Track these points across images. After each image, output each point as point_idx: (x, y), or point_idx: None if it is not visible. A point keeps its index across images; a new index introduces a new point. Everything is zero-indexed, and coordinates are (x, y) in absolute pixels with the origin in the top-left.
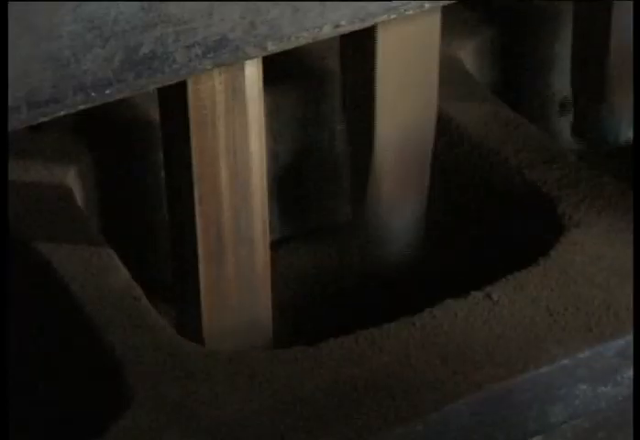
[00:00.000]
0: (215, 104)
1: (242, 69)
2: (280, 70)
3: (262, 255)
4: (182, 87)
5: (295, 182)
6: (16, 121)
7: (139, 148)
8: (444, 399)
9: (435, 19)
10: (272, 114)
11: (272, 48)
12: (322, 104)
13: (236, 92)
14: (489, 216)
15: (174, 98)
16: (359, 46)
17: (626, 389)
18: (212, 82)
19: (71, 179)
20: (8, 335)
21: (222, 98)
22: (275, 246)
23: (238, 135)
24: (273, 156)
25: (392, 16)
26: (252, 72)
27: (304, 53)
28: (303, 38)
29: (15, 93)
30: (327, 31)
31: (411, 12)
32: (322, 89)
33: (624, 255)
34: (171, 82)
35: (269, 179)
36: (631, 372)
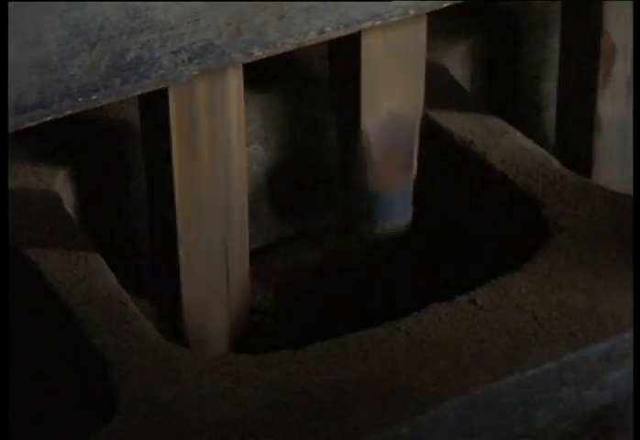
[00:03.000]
0: (196, 110)
1: (224, 75)
2: (269, 74)
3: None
4: (163, 94)
5: (284, 186)
6: None
7: (127, 153)
8: (429, 402)
9: (422, 26)
10: (261, 119)
11: (258, 53)
12: (311, 108)
13: (217, 98)
14: (474, 222)
15: (156, 105)
16: (346, 51)
17: (610, 392)
18: (193, 89)
19: (59, 184)
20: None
21: (203, 104)
22: (264, 249)
23: (220, 140)
24: (260, 160)
25: (377, 23)
26: (234, 79)
27: (294, 58)
28: (289, 44)
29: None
30: (312, 37)
31: (395, 18)
32: (311, 93)
33: (608, 260)
34: (157, 88)
35: (257, 183)
36: (614, 376)
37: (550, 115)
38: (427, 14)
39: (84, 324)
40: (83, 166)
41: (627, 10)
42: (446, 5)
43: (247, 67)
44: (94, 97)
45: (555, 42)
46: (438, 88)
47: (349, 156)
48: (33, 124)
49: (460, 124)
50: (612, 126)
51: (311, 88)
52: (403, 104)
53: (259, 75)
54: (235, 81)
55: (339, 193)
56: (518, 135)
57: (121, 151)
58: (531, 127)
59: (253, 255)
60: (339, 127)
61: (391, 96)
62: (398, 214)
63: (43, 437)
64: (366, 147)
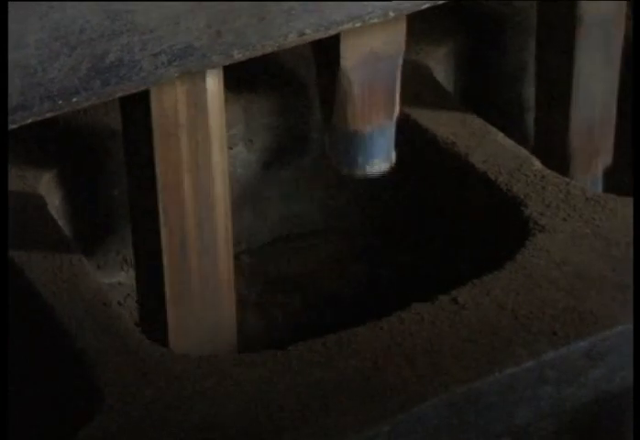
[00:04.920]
0: (177, 114)
1: (204, 79)
2: (252, 76)
3: (226, 263)
4: (144, 98)
5: (268, 190)
6: None
7: (112, 156)
8: (411, 401)
9: (401, 27)
10: (245, 122)
11: (238, 56)
12: (296, 110)
13: (197, 102)
14: (456, 222)
15: (137, 109)
16: (327, 54)
17: (591, 390)
18: (174, 93)
19: (44, 187)
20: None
21: (184, 108)
22: (248, 253)
23: (201, 145)
24: (245, 162)
25: (357, 25)
26: (214, 83)
27: (278, 60)
28: (269, 47)
29: None
30: (292, 39)
31: (375, 20)
32: (295, 95)
33: (589, 260)
34: (137, 90)
35: (242, 185)
36: (595, 374)
37: (531, 116)
38: (410, 15)
39: (68, 325)
40: (68, 169)
41: None
42: (425, 6)
43: (230, 69)
44: (75, 100)
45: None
46: (421, 89)
47: (329, 97)
48: (14, 126)
49: (442, 125)
50: None
51: (295, 90)
52: (385, 43)
53: (243, 77)
54: (215, 82)
55: (322, 134)
56: (500, 135)
57: (106, 154)
58: (512, 129)
59: (239, 256)
60: (319, 66)
61: (372, 36)
62: (380, 157)
63: (27, 438)
64: (345, 86)
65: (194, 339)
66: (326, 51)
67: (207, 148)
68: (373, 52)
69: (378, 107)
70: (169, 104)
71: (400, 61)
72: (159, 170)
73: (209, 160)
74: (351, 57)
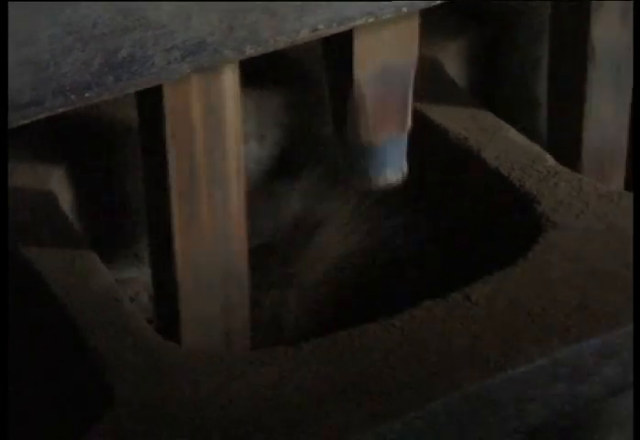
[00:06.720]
0: (191, 108)
1: (219, 73)
2: (264, 72)
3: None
4: (158, 92)
5: (280, 185)
6: None
7: (123, 152)
8: (422, 398)
9: (414, 22)
10: (257, 116)
11: (251, 51)
12: (308, 105)
13: (212, 97)
14: (467, 218)
15: (151, 103)
16: (339, 49)
17: (604, 388)
18: (188, 87)
19: (55, 182)
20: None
21: (198, 103)
22: (263, 246)
23: (217, 139)
24: (257, 158)
25: (370, 20)
26: (229, 77)
27: (290, 55)
28: (281, 42)
29: None
30: (305, 35)
31: (389, 16)
32: (307, 90)
33: (602, 256)
34: (150, 86)
35: (254, 181)
36: (608, 371)
37: (543, 112)
38: (423, 11)
39: (80, 322)
40: (79, 164)
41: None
42: (438, 2)
43: (242, 64)
44: (87, 95)
45: (547, 40)
46: (433, 84)
47: (341, 109)
48: (26, 121)
49: (454, 120)
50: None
51: (307, 85)
52: (398, 54)
53: (255, 73)
54: (230, 80)
55: (333, 149)
56: (512, 131)
57: (118, 150)
58: (524, 125)
59: (251, 253)
60: (331, 81)
61: (385, 47)
62: (391, 170)
63: (36, 436)
64: (358, 99)
65: (203, 275)
66: (339, 65)
67: (222, 141)
68: (386, 64)
69: (390, 119)
70: (182, 99)
71: (412, 73)
72: (172, 166)
73: (224, 154)
74: (364, 70)
